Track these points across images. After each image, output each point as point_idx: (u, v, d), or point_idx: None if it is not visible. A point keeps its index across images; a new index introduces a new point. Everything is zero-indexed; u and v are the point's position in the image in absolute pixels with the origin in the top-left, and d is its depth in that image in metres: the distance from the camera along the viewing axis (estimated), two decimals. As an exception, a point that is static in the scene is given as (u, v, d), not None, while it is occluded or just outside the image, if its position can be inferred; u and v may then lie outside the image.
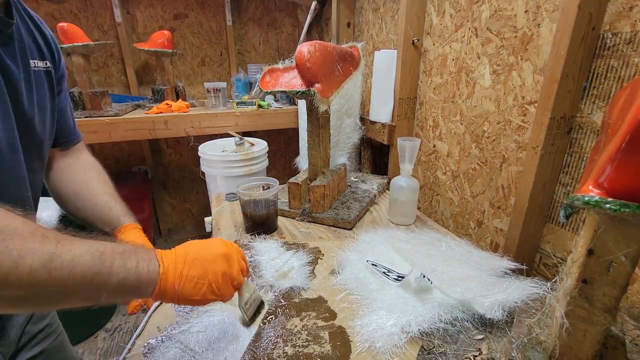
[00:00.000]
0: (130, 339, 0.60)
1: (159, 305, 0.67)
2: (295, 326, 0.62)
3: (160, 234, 2.56)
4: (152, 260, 0.45)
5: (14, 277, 0.33)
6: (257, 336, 0.60)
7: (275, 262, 0.81)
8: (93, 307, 0.41)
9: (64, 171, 0.71)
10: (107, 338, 1.69)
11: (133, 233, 0.67)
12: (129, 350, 0.57)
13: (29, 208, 0.58)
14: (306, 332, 0.61)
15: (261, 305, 0.63)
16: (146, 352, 0.57)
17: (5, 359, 0.60)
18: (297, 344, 0.58)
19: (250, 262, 0.82)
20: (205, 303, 0.49)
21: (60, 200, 0.71)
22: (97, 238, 0.41)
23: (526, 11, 0.79)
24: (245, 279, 0.56)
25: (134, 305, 0.66)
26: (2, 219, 0.34)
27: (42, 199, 0.66)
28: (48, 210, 1.24)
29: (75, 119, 1.66)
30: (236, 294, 0.55)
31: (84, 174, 0.72)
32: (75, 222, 0.70)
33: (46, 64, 0.60)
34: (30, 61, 0.56)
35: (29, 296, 0.35)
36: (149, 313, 0.65)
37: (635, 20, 0.60)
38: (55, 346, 0.72)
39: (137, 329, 0.62)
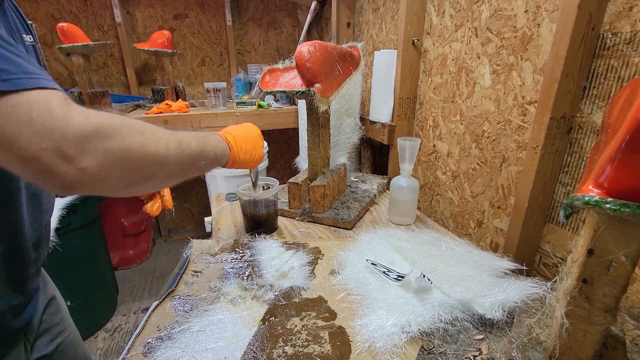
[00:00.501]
0: (130, 338, 0.60)
1: (158, 305, 0.67)
2: (295, 326, 0.62)
3: (160, 234, 2.56)
4: (220, 141, 0.63)
5: (170, 156, 0.46)
6: (257, 336, 0.60)
7: (275, 262, 0.81)
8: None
9: None
10: (107, 338, 1.69)
11: None
12: (129, 349, 0.57)
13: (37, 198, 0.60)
14: (306, 332, 0.61)
15: (258, 173, 0.90)
16: (146, 352, 0.57)
17: (30, 343, 0.64)
18: (297, 344, 0.58)
19: (250, 261, 0.82)
20: (255, 165, 0.74)
21: None
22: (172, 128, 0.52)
23: (526, 11, 0.79)
24: None
25: (153, 207, 0.74)
26: (138, 122, 0.43)
27: None
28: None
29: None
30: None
31: None
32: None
33: (31, 38, 0.60)
34: (23, 35, 0.56)
35: (178, 170, 0.50)
36: (148, 312, 0.65)
37: (635, 20, 0.60)
38: (68, 343, 0.74)
39: (137, 328, 0.62)
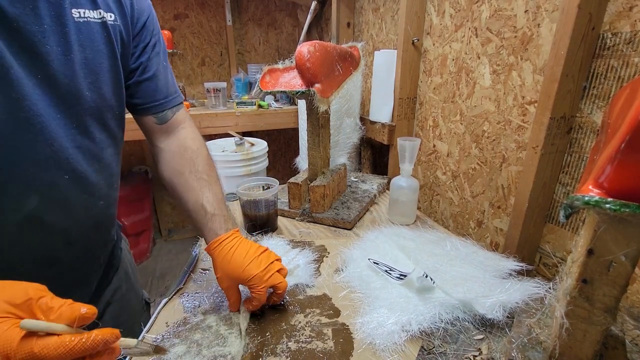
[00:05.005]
0: (140, 334, 0.60)
1: (167, 302, 0.68)
2: (299, 322, 0.63)
3: (161, 234, 2.56)
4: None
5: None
6: (261, 332, 0.60)
7: (282, 260, 0.81)
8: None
9: (164, 153, 0.67)
10: (107, 338, 1.69)
11: None
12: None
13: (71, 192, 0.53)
14: (310, 329, 0.61)
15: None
16: (154, 349, 0.57)
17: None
18: (301, 340, 0.59)
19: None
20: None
21: (164, 183, 0.70)
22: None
23: (526, 11, 0.79)
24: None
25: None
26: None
27: None
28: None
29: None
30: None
31: (181, 162, 0.67)
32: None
33: (100, 13, 0.50)
34: (73, 10, 0.47)
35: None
36: (157, 309, 0.66)
37: (635, 20, 0.61)
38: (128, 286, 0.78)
39: (145, 324, 0.62)
